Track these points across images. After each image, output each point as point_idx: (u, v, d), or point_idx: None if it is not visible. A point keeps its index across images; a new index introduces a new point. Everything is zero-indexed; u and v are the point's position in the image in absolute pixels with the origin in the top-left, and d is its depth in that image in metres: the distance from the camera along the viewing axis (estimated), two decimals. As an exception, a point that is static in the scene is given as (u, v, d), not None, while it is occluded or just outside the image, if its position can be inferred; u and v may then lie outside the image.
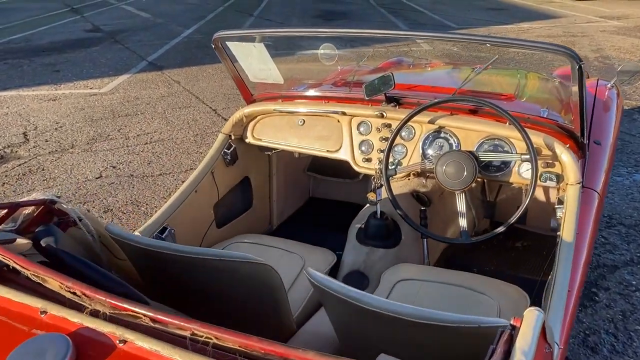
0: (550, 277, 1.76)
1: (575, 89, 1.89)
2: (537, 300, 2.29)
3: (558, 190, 2.09)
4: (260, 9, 13.98)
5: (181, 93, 6.62)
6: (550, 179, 2.03)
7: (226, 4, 15.11)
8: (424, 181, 2.66)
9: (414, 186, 2.65)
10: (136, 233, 2.09)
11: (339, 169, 2.29)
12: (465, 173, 2.03)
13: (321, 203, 3.42)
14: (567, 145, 2.00)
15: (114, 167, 4.54)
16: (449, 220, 2.82)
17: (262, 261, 1.45)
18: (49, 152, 4.88)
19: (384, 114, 2.31)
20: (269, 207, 3.00)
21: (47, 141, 5.15)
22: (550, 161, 2.04)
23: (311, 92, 2.63)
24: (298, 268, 2.15)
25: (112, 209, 3.84)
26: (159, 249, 1.44)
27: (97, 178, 4.35)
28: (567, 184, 1.95)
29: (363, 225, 2.39)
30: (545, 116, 2.17)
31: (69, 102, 6.35)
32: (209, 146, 5.02)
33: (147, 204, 3.92)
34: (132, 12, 13.90)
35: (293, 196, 3.27)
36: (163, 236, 2.14)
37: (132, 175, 4.39)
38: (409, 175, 2.37)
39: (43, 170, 4.51)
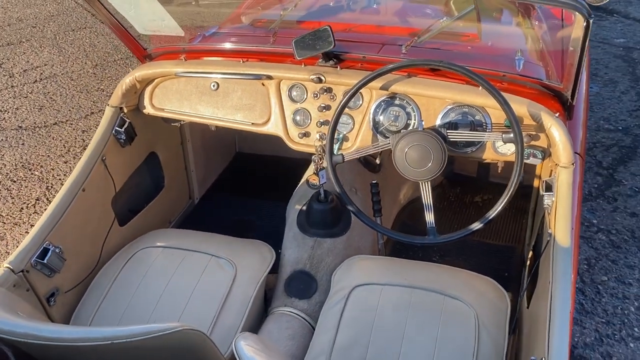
0: (545, 285, 1.45)
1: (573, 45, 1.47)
2: (514, 286, 2.01)
3: (541, 167, 1.73)
4: None
5: (74, 10, 5.61)
6: (535, 156, 1.65)
7: None
8: None
9: None
10: (5, 265, 1.57)
11: None
12: (431, 161, 1.61)
13: (250, 159, 2.92)
14: (557, 114, 1.59)
15: (-3, 117, 3.78)
16: (402, 183, 2.43)
17: (189, 326, 1.08)
18: None
19: (323, 78, 1.80)
20: (186, 179, 2.48)
21: None
22: (534, 133, 1.65)
23: (223, 43, 2.02)
24: (229, 280, 1.73)
25: (-2, 177, 3.19)
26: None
27: (-24, 134, 3.61)
28: (557, 165, 1.57)
29: (304, 208, 1.96)
30: (521, 67, 1.74)
31: None
32: (111, 80, 4.26)
33: (42, 167, 3.28)
34: None
35: (215, 157, 2.74)
36: (45, 260, 1.63)
37: (20, 127, 3.67)
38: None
39: None
